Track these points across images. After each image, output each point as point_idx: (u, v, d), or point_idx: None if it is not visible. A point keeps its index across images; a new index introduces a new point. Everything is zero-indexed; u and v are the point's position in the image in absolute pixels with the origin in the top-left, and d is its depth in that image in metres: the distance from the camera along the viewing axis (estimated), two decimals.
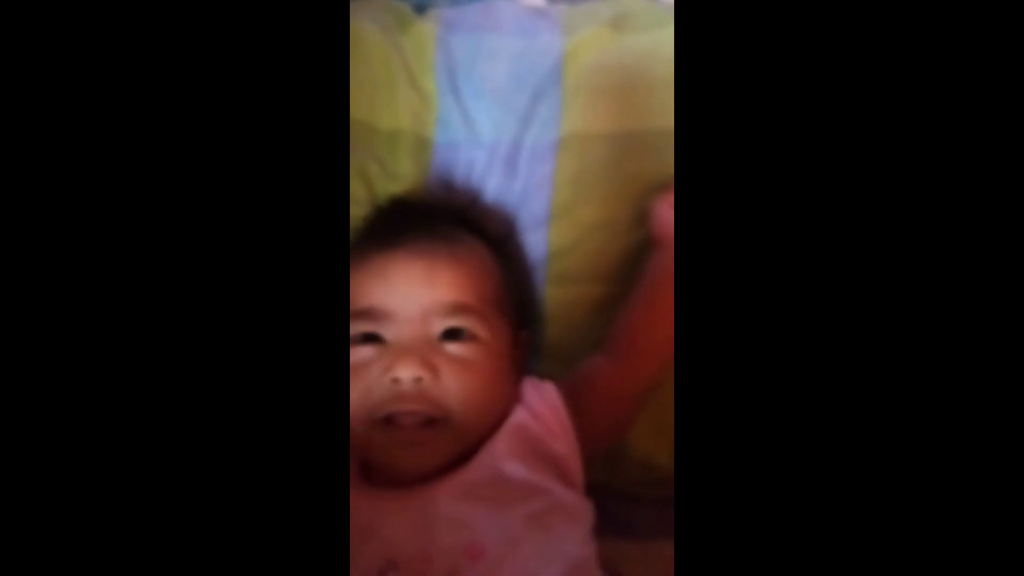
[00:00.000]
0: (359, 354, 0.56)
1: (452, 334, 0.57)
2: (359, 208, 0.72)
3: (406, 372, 0.55)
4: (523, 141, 0.75)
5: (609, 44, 0.75)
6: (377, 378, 0.55)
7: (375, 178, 0.74)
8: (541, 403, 0.59)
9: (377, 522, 0.53)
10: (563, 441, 0.58)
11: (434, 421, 0.55)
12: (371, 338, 0.57)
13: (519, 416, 0.57)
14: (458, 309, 0.57)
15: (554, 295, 0.73)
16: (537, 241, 0.74)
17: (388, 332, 0.57)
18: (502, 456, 0.55)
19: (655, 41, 0.75)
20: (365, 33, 0.75)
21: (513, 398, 0.59)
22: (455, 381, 0.55)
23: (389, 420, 0.55)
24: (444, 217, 0.67)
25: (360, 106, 0.74)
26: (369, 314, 0.57)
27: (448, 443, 0.55)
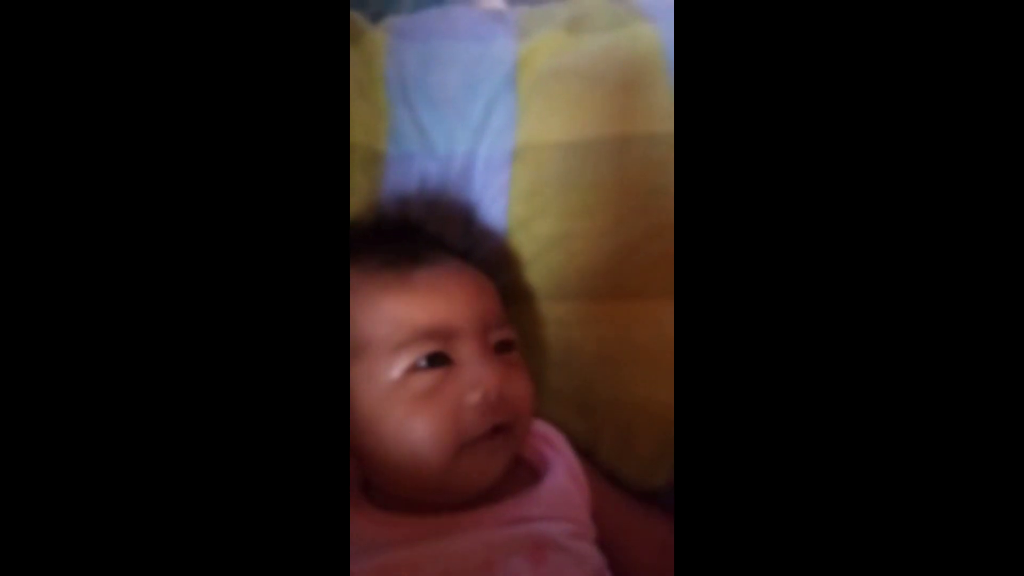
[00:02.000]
0: (430, 379, 0.54)
1: (504, 344, 0.58)
2: None
3: (491, 387, 0.54)
4: (477, 152, 0.73)
5: (564, 47, 0.73)
6: (459, 399, 0.53)
7: None
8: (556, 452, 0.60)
9: (437, 545, 0.52)
10: (579, 493, 0.59)
11: (500, 429, 0.55)
12: (436, 360, 0.54)
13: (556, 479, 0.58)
14: (504, 319, 0.59)
15: (513, 312, 0.70)
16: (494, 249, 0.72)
17: (457, 351, 0.55)
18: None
19: (612, 43, 0.72)
20: None
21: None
22: (515, 389, 0.56)
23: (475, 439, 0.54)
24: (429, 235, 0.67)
25: None
26: (435, 334, 0.54)
27: (508, 449, 0.55)
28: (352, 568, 0.50)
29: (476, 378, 0.53)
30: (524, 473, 0.60)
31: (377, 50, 0.74)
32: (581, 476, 0.61)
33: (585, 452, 0.66)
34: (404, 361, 0.53)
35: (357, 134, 0.73)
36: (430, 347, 0.54)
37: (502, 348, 0.57)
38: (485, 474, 0.54)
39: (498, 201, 0.72)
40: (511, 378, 0.56)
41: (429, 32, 0.75)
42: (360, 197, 0.72)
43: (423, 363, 0.53)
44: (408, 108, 0.74)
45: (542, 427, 0.63)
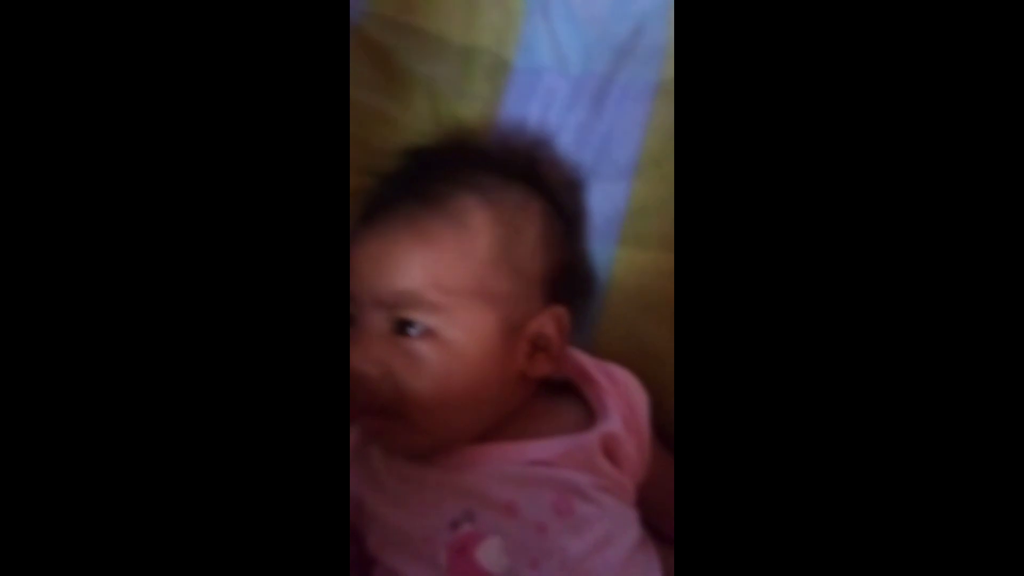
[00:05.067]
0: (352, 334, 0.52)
1: (406, 327, 0.50)
2: (421, 123, 0.65)
3: (353, 365, 0.50)
4: (616, 77, 0.66)
5: None
6: (353, 364, 0.51)
7: (441, 95, 0.67)
8: (617, 396, 0.55)
9: (454, 474, 0.51)
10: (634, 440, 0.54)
11: (390, 415, 0.51)
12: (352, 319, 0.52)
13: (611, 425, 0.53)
14: (411, 300, 0.50)
15: (624, 258, 0.64)
16: (615, 194, 0.64)
17: (356, 316, 0.52)
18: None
19: None
20: None
21: (500, 399, 0.53)
22: (406, 379, 0.50)
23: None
24: (477, 166, 0.57)
25: (434, 18, 0.67)
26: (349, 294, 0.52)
27: (410, 439, 0.51)
28: (367, 495, 0.51)
29: (352, 347, 0.50)
30: (577, 417, 0.55)
31: None
32: (644, 430, 0.55)
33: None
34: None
35: (484, 38, 0.68)
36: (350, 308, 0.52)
37: (403, 329, 0.50)
38: (386, 448, 0.53)
39: (631, 134, 0.64)
40: (404, 367, 0.50)
41: None
42: (479, 104, 0.67)
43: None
44: (545, 19, 0.68)
45: (619, 373, 0.57)
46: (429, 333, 0.50)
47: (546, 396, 0.55)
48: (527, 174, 0.58)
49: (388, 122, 0.66)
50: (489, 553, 0.48)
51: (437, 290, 0.50)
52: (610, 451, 0.53)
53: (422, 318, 0.50)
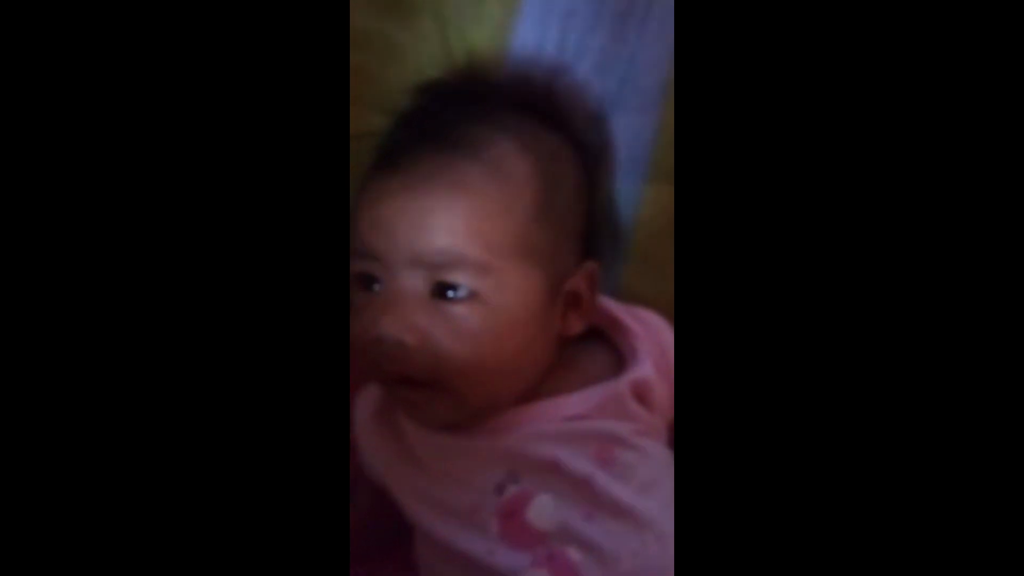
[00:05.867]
0: (357, 297, 0.49)
1: (446, 290, 0.47)
2: (430, 50, 0.62)
3: (387, 333, 0.46)
4: None
5: None
6: (363, 332, 0.47)
7: (450, 19, 0.64)
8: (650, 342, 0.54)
9: (492, 439, 0.50)
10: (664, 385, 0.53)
11: (426, 385, 0.48)
12: (370, 280, 0.49)
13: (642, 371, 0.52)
14: (454, 260, 0.46)
15: (652, 194, 0.62)
16: (642, 126, 0.62)
17: (383, 278, 0.48)
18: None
19: None
20: None
21: (542, 362, 0.51)
22: (446, 347, 0.47)
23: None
24: (494, 102, 0.53)
25: None
26: (362, 253, 0.48)
27: (448, 410, 0.49)
28: (402, 471, 0.51)
29: (378, 312, 0.47)
30: (604, 364, 0.54)
31: None
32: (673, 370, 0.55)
33: None
34: (352, 268, 0.49)
35: None
36: (360, 265, 0.48)
37: (447, 293, 0.47)
38: (422, 423, 0.51)
39: (661, 59, 0.62)
40: (443, 332, 0.47)
41: None
42: (490, 28, 0.64)
43: (361, 280, 0.49)
44: None
45: (649, 316, 0.56)
46: (473, 296, 0.46)
47: (572, 346, 0.53)
48: (546, 109, 0.53)
49: (395, 50, 0.63)
50: (541, 511, 0.47)
51: (482, 248, 0.46)
52: (641, 395, 0.51)
53: (467, 280, 0.46)
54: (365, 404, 0.54)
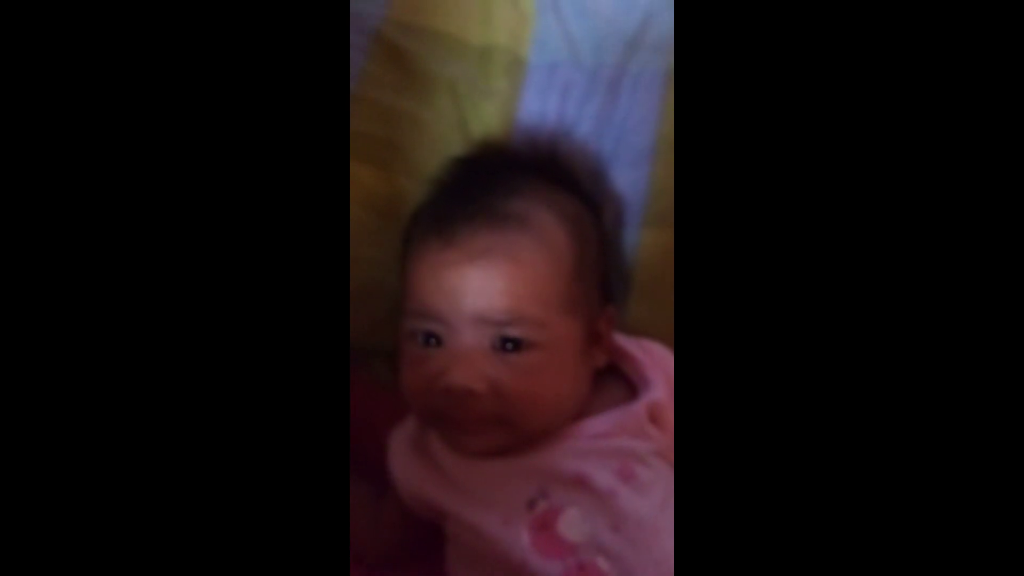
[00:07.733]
0: (419, 352, 0.54)
1: (506, 343, 0.53)
2: (445, 123, 0.67)
3: (458, 383, 0.52)
4: (628, 67, 0.69)
5: None
6: (432, 380, 0.53)
7: (464, 94, 0.69)
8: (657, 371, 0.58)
9: (522, 458, 0.54)
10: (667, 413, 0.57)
11: (491, 423, 0.53)
12: (428, 336, 0.54)
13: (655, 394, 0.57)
14: (515, 318, 0.53)
15: (649, 238, 0.67)
16: (636, 179, 0.67)
17: (445, 336, 0.53)
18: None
19: None
20: None
21: (581, 394, 0.56)
22: (516, 392, 0.52)
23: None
24: (522, 169, 0.60)
25: (451, 20, 0.70)
26: (424, 315, 0.54)
27: (505, 440, 0.54)
28: (434, 492, 0.55)
29: (447, 362, 0.52)
30: (620, 392, 0.59)
31: None
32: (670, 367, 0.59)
33: None
34: (407, 325, 0.55)
35: (500, 37, 0.70)
36: (421, 325, 0.54)
37: (507, 346, 0.52)
38: (468, 448, 0.55)
39: (647, 121, 0.67)
40: (511, 379, 0.52)
41: None
42: (500, 100, 0.69)
43: (420, 337, 0.54)
44: (556, 15, 0.70)
45: (654, 347, 0.61)
46: (531, 346, 0.52)
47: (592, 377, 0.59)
48: (555, 170, 0.61)
49: (415, 123, 0.67)
50: (571, 524, 0.51)
51: (537, 306, 0.53)
52: (655, 417, 0.56)
53: (525, 333, 0.52)
54: (401, 438, 0.59)
